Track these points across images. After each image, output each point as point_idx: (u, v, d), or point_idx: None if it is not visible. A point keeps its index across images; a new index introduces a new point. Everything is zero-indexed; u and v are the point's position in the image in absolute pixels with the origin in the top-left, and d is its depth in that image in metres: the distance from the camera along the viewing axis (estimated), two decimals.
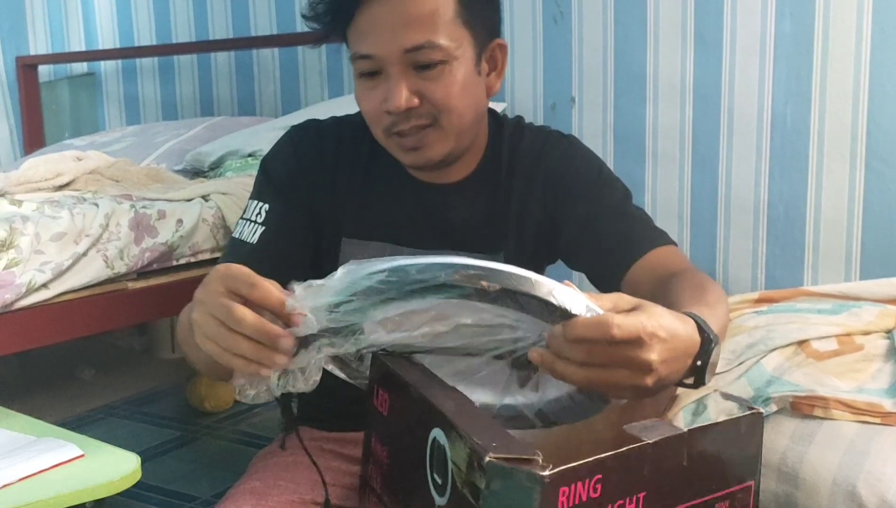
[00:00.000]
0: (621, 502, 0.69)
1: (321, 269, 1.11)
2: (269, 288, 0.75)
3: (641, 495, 0.71)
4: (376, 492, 0.83)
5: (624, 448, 0.70)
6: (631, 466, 0.70)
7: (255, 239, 1.08)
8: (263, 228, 1.09)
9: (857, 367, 1.30)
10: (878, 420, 1.18)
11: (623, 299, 0.79)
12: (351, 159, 1.14)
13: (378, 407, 0.83)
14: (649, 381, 0.77)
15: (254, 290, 0.75)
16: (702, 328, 0.80)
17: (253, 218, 1.10)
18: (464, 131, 1.07)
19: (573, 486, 0.66)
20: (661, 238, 1.11)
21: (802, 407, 1.21)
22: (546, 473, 0.63)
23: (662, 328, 0.75)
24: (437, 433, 0.71)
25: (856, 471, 1.11)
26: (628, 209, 1.14)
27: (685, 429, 0.74)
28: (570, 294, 0.75)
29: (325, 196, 1.12)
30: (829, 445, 1.15)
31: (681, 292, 0.95)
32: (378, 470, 0.83)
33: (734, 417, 0.78)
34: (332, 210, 1.12)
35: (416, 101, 1.01)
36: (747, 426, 0.78)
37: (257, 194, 1.12)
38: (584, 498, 0.66)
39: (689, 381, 0.82)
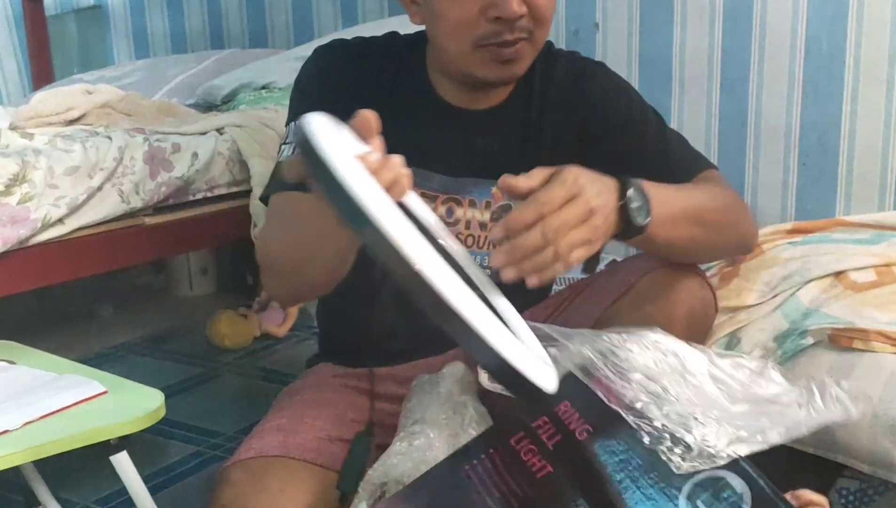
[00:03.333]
0: None
1: None
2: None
3: None
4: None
5: None
6: None
7: None
8: None
9: None
10: None
11: (540, 172, 0.84)
12: (383, 81, 1.10)
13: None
14: (598, 221, 0.82)
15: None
16: (619, 179, 0.86)
17: None
18: (541, 48, 1.05)
19: None
20: (702, 163, 1.11)
21: (841, 340, 1.18)
22: None
23: (577, 170, 0.82)
24: None
25: None
26: (668, 141, 1.13)
27: None
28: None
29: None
30: (870, 378, 1.12)
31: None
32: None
33: None
34: None
35: (525, 9, 0.98)
36: None
37: (299, 115, 1.06)
38: None
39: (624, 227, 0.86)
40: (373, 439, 0.95)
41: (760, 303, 1.30)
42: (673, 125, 2.02)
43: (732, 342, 1.26)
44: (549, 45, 1.16)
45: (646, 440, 0.76)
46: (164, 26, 3.08)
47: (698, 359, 0.81)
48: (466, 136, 1.10)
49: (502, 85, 1.08)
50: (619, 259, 1.95)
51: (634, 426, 0.76)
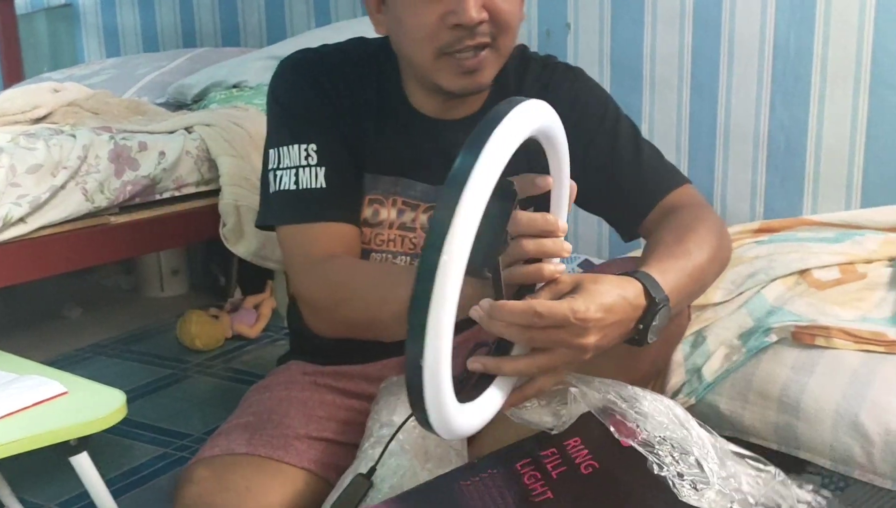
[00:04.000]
0: None
1: None
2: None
3: None
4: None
5: None
6: None
7: (322, 182, 1.03)
8: (324, 168, 1.03)
9: (860, 296, 1.28)
10: (881, 349, 1.16)
11: (563, 282, 0.81)
12: (362, 91, 1.09)
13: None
14: (588, 356, 0.81)
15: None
16: (648, 292, 0.83)
17: (304, 162, 1.04)
18: (507, 55, 1.03)
19: None
20: (673, 180, 1.11)
21: (804, 337, 1.19)
22: None
23: (596, 309, 0.78)
24: None
25: (859, 401, 1.09)
26: (641, 153, 1.13)
27: None
28: None
29: (348, 127, 1.08)
30: (832, 375, 1.14)
31: (662, 239, 0.98)
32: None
33: None
34: (353, 143, 1.08)
35: (485, 14, 0.96)
36: None
37: (294, 136, 1.05)
38: None
39: (631, 340, 0.85)
40: (371, 483, 0.93)
41: (726, 301, 1.31)
42: (644, 126, 2.05)
43: (698, 340, 1.27)
44: (524, 49, 1.16)
45: (655, 469, 0.78)
46: (135, 24, 3.05)
47: (705, 436, 0.83)
48: (445, 145, 1.07)
49: (469, 95, 1.06)
50: (592, 259, 1.96)
51: (646, 454, 0.79)
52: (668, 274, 0.87)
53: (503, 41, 0.99)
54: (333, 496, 0.95)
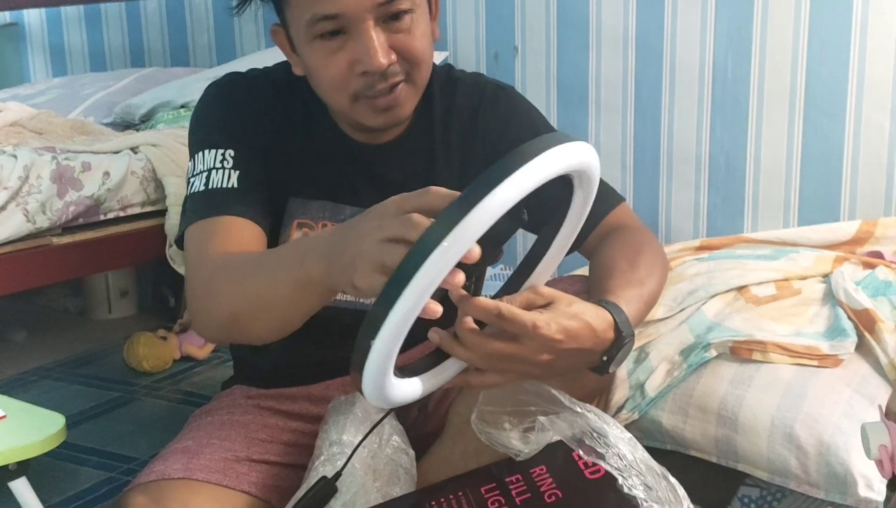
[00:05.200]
0: None
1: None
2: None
3: None
4: None
5: None
6: None
7: (234, 183, 0.99)
8: (238, 171, 1.00)
9: (795, 311, 1.31)
10: (815, 363, 1.20)
11: (540, 294, 0.82)
12: (288, 116, 1.08)
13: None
14: (536, 373, 0.82)
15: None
16: (617, 327, 0.84)
17: (218, 165, 1.01)
18: (424, 85, 1.02)
19: None
20: (612, 199, 1.12)
21: (741, 352, 1.22)
22: None
23: (557, 329, 0.79)
24: None
25: (794, 413, 1.13)
26: None
27: None
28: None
29: (272, 151, 1.06)
30: (768, 388, 1.17)
31: (616, 263, 0.98)
32: None
33: None
34: (278, 167, 1.07)
35: (393, 56, 0.95)
36: None
37: (212, 143, 1.02)
38: None
39: (593, 367, 0.86)
40: (336, 488, 0.91)
41: (668, 317, 1.34)
42: None
43: (641, 356, 1.29)
44: (450, 68, 1.16)
45: (625, 489, 0.80)
46: (82, 44, 3.02)
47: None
48: (373, 169, 1.08)
49: (392, 127, 1.05)
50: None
51: (616, 475, 0.81)
52: (631, 304, 0.89)
53: (417, 75, 0.99)
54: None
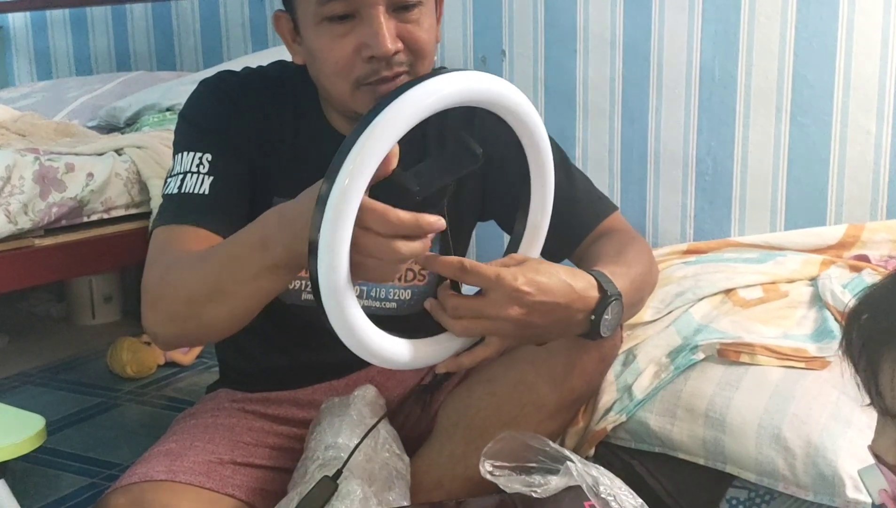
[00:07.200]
0: None
1: None
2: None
3: None
4: None
5: None
6: None
7: (205, 189, 1.00)
8: (212, 177, 1.01)
9: (783, 314, 1.31)
10: (802, 365, 1.19)
11: (514, 258, 0.84)
12: (278, 114, 1.08)
13: None
14: (521, 332, 0.83)
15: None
16: (601, 286, 0.86)
17: (194, 169, 1.02)
18: None
19: None
20: (605, 208, 1.14)
21: (729, 354, 1.22)
22: None
23: (525, 282, 0.81)
24: None
25: (781, 415, 1.12)
26: (574, 181, 1.14)
27: None
28: None
29: (258, 150, 1.06)
30: (755, 390, 1.16)
31: (603, 252, 1.01)
32: None
33: None
34: (265, 166, 1.07)
35: (400, 44, 0.96)
36: None
37: (192, 145, 1.04)
38: None
39: (584, 332, 0.88)
40: (336, 486, 0.91)
41: (656, 320, 1.34)
42: (577, 151, 2.09)
43: (629, 359, 1.29)
44: (443, 69, 1.16)
45: None
46: (67, 47, 3.00)
47: None
48: None
49: None
50: None
51: None
52: (617, 278, 0.91)
53: (420, 68, 0.99)
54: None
